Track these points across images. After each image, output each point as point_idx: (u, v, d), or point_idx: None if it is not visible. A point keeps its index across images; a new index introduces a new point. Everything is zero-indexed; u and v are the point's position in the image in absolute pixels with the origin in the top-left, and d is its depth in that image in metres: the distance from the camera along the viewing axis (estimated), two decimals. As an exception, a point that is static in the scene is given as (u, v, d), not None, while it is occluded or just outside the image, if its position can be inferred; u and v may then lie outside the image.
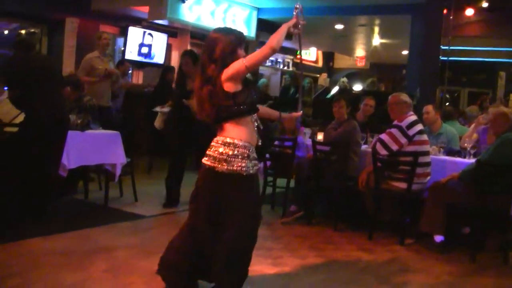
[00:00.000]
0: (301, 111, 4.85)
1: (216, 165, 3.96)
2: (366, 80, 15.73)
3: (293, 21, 4.15)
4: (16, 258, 5.11)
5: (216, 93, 3.94)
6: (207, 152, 4.05)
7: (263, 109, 4.60)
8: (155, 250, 4.90)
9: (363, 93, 12.35)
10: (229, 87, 3.92)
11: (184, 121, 7.34)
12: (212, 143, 4.06)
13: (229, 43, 4.00)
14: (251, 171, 4.02)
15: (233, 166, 3.94)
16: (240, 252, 4.11)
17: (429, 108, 7.78)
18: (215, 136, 4.09)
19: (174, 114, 7.86)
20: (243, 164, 3.96)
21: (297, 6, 4.29)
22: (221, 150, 3.97)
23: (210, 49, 4.00)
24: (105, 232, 6.21)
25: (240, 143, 3.97)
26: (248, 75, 4.21)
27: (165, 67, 12.01)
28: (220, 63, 3.95)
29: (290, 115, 4.76)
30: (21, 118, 6.58)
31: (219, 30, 4.11)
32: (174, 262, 4.21)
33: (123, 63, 11.36)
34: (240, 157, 3.95)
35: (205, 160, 4.05)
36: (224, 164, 3.95)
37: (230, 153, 3.94)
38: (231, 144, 3.96)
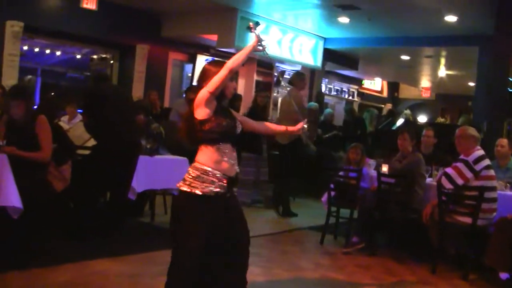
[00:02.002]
0: (305, 120, 4.83)
1: (190, 188, 4.02)
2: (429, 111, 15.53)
3: (254, 41, 4.14)
4: (85, 278, 5.28)
5: (189, 118, 4.09)
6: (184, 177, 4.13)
7: (269, 125, 4.92)
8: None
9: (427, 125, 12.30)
10: (198, 114, 4.02)
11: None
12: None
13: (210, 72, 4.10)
14: (196, 191, 4.01)
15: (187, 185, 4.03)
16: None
17: (504, 141, 7.69)
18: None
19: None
20: (194, 184, 4.00)
21: (251, 25, 4.37)
22: (190, 172, 4.06)
23: (201, 79, 4.15)
24: (166, 256, 6.29)
25: (203, 167, 4.02)
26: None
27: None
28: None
29: (296, 126, 4.71)
30: (92, 141, 6.88)
31: (211, 63, 4.26)
32: None
33: (191, 89, 11.51)
34: (197, 178, 4.01)
35: (181, 185, 4.09)
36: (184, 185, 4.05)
37: (193, 175, 4.02)
38: (197, 168, 4.03)
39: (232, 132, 4.16)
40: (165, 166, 7.39)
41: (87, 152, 7.05)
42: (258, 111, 10.04)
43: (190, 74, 13.63)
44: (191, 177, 4.01)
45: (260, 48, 4.16)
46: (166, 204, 8.39)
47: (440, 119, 18.91)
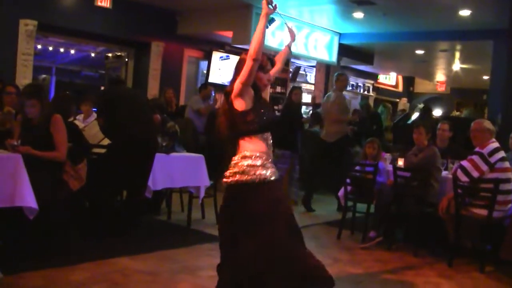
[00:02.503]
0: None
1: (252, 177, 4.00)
2: (444, 104, 15.49)
3: (264, 11, 4.14)
4: (105, 275, 5.33)
5: (229, 111, 4.11)
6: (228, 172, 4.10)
7: (278, 56, 4.74)
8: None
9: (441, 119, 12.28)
10: (237, 106, 4.05)
11: None
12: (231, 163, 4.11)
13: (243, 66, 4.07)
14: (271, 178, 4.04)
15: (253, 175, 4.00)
16: None
17: None
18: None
19: None
20: (263, 172, 4.01)
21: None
22: (241, 164, 4.03)
23: (236, 70, 4.17)
24: (188, 253, 6.38)
25: (257, 155, 4.03)
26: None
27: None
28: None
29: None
30: (107, 140, 6.97)
31: (245, 53, 4.18)
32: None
33: (206, 86, 11.57)
34: (259, 165, 4.01)
35: (237, 179, 4.03)
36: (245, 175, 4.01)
37: (251, 163, 4.01)
38: (252, 157, 4.02)
39: (272, 121, 4.22)
40: (181, 163, 7.44)
41: (102, 150, 7.13)
42: (293, 108, 10.01)
43: (205, 71, 13.65)
44: (246, 166, 3.99)
45: (271, 8, 4.18)
46: (182, 201, 8.41)
47: (455, 113, 18.86)
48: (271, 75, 4.41)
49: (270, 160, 4.09)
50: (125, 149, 6.62)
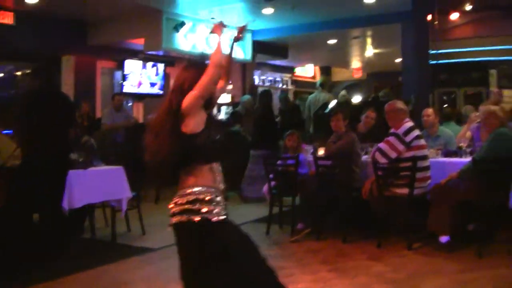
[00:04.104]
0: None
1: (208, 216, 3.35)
2: (361, 90, 15.73)
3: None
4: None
5: (171, 132, 3.39)
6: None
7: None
8: (168, 282, 4.95)
9: (362, 104, 12.45)
10: (187, 126, 3.37)
11: None
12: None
13: (193, 75, 3.47)
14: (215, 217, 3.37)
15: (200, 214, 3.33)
16: None
17: (429, 111, 7.90)
18: None
19: None
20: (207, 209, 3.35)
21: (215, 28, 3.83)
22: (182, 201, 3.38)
23: (180, 82, 3.50)
24: (116, 269, 6.21)
25: (206, 189, 3.39)
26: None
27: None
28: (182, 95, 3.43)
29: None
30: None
31: (187, 65, 3.62)
32: None
33: (114, 97, 11.18)
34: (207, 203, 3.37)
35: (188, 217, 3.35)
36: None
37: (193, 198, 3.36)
38: (200, 192, 3.37)
39: (224, 146, 3.56)
40: (101, 177, 7.23)
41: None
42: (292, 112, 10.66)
43: (120, 81, 13.45)
44: (189, 203, 3.33)
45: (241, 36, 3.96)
46: (106, 216, 8.17)
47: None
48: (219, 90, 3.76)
49: (219, 196, 3.44)
50: (37, 165, 6.37)
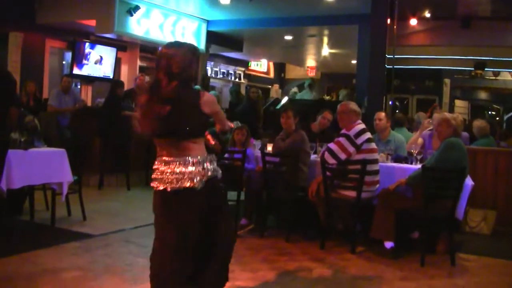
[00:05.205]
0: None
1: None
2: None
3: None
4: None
5: (194, 112, 3.87)
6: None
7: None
8: (103, 271, 4.76)
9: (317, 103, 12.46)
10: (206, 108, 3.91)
11: None
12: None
13: (184, 56, 3.84)
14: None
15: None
16: (229, 255, 4.44)
17: (381, 115, 7.87)
18: None
19: None
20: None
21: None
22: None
23: (166, 65, 3.81)
24: (51, 254, 6.01)
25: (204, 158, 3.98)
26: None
27: (114, 82, 11.59)
28: (180, 78, 3.80)
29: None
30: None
31: (171, 45, 3.92)
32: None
33: (62, 78, 11.05)
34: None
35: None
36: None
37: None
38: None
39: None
40: (41, 159, 7.03)
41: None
42: (254, 106, 10.81)
43: (70, 62, 13.13)
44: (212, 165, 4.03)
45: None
46: (47, 199, 7.93)
47: (326, 97, 19.23)
48: None
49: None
50: None
